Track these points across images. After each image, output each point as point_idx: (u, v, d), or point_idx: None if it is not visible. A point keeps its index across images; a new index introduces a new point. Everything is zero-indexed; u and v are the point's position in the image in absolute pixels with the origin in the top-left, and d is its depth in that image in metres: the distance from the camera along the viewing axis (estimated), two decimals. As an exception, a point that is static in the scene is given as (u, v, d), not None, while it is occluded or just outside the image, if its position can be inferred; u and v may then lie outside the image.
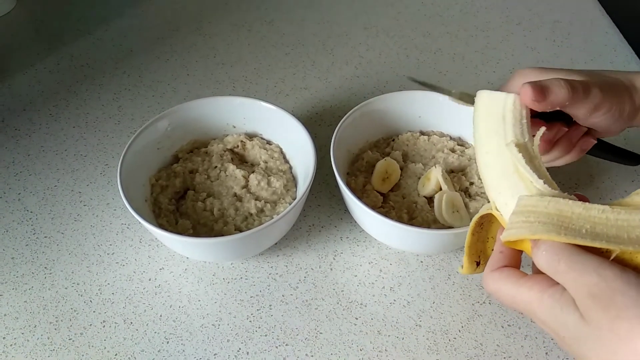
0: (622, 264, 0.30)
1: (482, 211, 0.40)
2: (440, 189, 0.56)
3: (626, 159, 0.56)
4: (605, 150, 0.54)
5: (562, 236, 0.30)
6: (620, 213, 0.31)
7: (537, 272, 0.34)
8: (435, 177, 0.56)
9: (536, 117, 0.44)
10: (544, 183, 0.35)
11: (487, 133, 0.40)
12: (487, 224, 0.42)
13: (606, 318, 0.28)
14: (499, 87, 0.46)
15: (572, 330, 0.30)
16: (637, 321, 0.28)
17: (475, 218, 0.41)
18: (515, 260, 0.36)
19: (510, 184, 0.37)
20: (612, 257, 0.30)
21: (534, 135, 0.39)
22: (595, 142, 0.48)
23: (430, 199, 0.57)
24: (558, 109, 0.42)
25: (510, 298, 0.34)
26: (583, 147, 0.48)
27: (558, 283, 0.31)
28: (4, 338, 0.51)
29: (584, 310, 0.29)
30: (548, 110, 0.42)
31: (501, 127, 0.39)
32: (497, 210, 0.38)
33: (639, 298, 0.28)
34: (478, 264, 0.42)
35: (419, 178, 0.58)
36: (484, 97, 0.42)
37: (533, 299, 0.32)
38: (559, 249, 0.31)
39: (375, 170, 0.59)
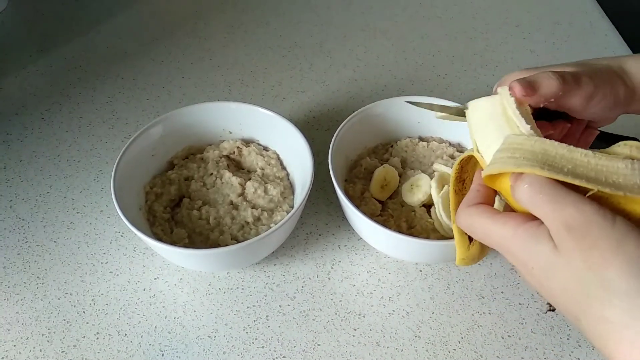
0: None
1: (462, 156, 0.41)
2: (431, 200, 0.55)
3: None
4: (604, 141, 0.53)
5: (545, 171, 0.31)
6: (601, 158, 0.32)
7: (509, 211, 0.35)
8: (426, 185, 0.55)
9: (539, 119, 0.43)
10: (531, 129, 0.36)
11: (479, 101, 0.41)
12: (469, 182, 0.42)
13: (579, 248, 0.29)
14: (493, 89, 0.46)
15: (542, 260, 0.31)
16: (609, 252, 0.28)
17: (455, 165, 0.41)
18: (491, 199, 0.37)
19: (496, 126, 0.38)
20: (587, 195, 0.31)
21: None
22: (598, 132, 0.48)
23: (428, 207, 0.56)
24: (555, 108, 0.42)
25: (484, 232, 0.34)
26: (587, 140, 0.48)
27: (534, 219, 0.32)
28: (-5, 350, 0.50)
29: (559, 240, 0.30)
30: (542, 105, 0.41)
31: (497, 99, 0.40)
32: (479, 152, 0.38)
33: (613, 231, 0.29)
34: (471, 239, 0.41)
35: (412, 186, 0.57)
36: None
37: (508, 232, 0.33)
38: (542, 182, 0.31)
39: (373, 178, 0.58)
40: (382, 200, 0.58)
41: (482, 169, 0.38)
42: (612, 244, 0.29)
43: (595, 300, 0.29)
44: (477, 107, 0.40)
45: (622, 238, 0.29)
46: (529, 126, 0.36)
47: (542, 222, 0.32)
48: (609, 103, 0.43)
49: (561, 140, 0.47)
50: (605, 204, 0.31)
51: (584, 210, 0.30)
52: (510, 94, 0.39)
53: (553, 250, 0.31)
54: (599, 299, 0.29)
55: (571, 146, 0.33)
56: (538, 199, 0.31)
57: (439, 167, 0.58)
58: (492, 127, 0.38)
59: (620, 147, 0.34)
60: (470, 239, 0.41)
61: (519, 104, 0.39)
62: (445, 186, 0.55)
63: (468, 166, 0.42)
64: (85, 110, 0.71)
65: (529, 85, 0.40)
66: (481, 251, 0.41)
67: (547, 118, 0.44)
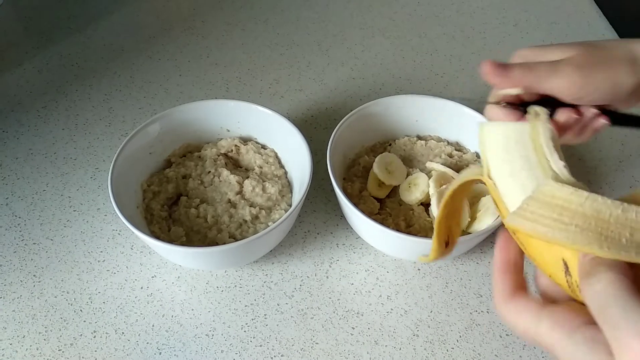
0: None
1: (467, 176, 0.35)
2: (428, 198, 0.55)
3: None
4: (625, 121, 0.47)
5: (605, 250, 0.26)
6: None
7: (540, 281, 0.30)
8: (424, 184, 0.55)
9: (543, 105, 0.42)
10: (564, 167, 0.31)
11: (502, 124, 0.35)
12: (458, 194, 0.37)
13: None
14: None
15: None
16: None
17: (455, 184, 0.35)
18: (520, 272, 0.32)
19: (521, 154, 0.32)
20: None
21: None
22: (609, 124, 0.45)
23: (426, 206, 0.56)
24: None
25: (531, 335, 0.29)
26: (595, 127, 0.45)
27: (588, 322, 0.26)
28: (-9, 349, 0.50)
29: None
30: (513, 88, 0.42)
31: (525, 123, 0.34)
32: (491, 178, 0.33)
33: None
34: (447, 244, 0.37)
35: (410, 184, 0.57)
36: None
37: (559, 339, 0.27)
38: (622, 287, 0.25)
39: (370, 175, 0.58)
40: (380, 198, 0.57)
41: (491, 195, 0.33)
42: None
43: None
44: (499, 126, 0.34)
45: None
46: (562, 163, 0.31)
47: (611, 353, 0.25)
48: (606, 94, 0.42)
49: (569, 126, 0.44)
50: None
51: None
52: (549, 123, 0.33)
53: None
54: None
55: (624, 204, 0.27)
56: (619, 319, 0.24)
57: (433, 165, 0.58)
58: (516, 153, 0.32)
59: None
60: (447, 244, 0.38)
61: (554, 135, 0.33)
62: (429, 184, 0.55)
63: (466, 185, 0.37)
64: (82, 108, 0.71)
65: (500, 67, 0.41)
66: (449, 252, 0.38)
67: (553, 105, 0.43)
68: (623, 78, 0.42)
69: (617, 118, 0.45)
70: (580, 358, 0.26)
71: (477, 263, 0.56)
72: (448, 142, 0.62)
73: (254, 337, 0.51)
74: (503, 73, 0.42)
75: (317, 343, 0.51)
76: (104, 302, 0.53)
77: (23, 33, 0.82)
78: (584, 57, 0.42)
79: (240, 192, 0.56)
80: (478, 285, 0.55)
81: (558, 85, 0.41)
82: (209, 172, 0.58)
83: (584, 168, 0.65)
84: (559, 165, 0.31)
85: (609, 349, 0.25)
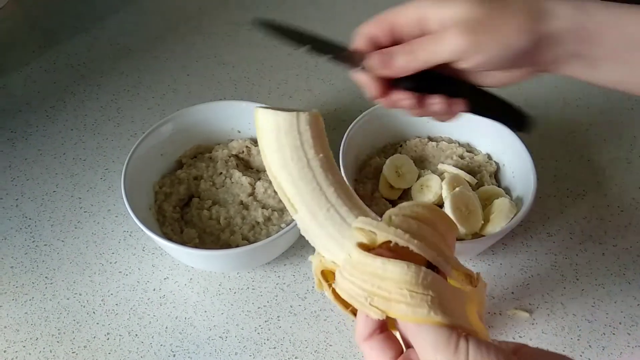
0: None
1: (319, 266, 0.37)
2: (441, 200, 0.55)
3: (513, 120, 0.42)
4: (488, 109, 0.42)
5: (439, 316, 0.29)
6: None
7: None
8: (437, 186, 0.55)
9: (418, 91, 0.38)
10: (320, 159, 0.33)
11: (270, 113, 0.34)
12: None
13: None
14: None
15: None
16: None
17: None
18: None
19: (291, 144, 0.33)
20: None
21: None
22: (466, 109, 0.40)
23: (439, 207, 0.56)
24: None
25: None
26: (454, 110, 0.40)
27: None
28: (4, 351, 0.50)
29: None
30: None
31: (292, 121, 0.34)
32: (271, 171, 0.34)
33: None
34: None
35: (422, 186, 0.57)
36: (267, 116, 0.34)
37: None
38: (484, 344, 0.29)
39: (381, 177, 0.58)
40: (392, 200, 0.57)
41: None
42: None
43: None
44: (272, 115, 0.34)
45: None
46: (320, 155, 0.34)
47: None
48: (494, 57, 0.35)
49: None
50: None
51: None
52: (307, 121, 0.34)
53: None
54: None
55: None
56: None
57: (445, 167, 0.58)
58: (286, 144, 0.33)
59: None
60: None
61: (316, 133, 0.34)
62: (443, 187, 0.55)
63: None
64: (90, 108, 0.71)
65: (385, 59, 0.38)
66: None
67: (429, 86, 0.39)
68: (513, 38, 0.34)
69: (478, 103, 0.40)
70: None
71: (489, 265, 0.56)
72: (459, 144, 0.62)
73: (267, 339, 0.51)
74: (387, 65, 0.38)
75: (330, 345, 0.51)
76: (116, 304, 0.53)
77: (29, 32, 0.81)
78: (473, 15, 0.35)
79: (252, 194, 0.56)
80: (490, 287, 0.55)
81: (443, 57, 0.36)
82: (221, 173, 0.58)
83: (592, 169, 0.65)
84: (315, 159, 0.33)
85: None
